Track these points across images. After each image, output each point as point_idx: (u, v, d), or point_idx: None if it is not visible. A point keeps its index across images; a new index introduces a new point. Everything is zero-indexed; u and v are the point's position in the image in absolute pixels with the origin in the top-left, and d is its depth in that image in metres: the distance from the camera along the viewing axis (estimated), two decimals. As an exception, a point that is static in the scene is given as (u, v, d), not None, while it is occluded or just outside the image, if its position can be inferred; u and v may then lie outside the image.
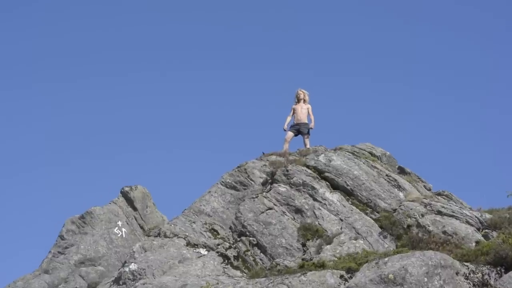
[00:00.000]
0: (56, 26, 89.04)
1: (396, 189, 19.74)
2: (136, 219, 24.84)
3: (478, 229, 17.95)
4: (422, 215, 18.36)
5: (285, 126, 23.23)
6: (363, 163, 20.47)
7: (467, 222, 18.05)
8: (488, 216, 18.57)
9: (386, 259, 13.84)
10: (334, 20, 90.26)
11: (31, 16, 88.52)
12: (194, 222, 19.47)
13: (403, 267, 13.08)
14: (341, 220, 18.49)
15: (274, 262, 17.56)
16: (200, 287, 15.34)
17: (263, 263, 17.82)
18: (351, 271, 14.90)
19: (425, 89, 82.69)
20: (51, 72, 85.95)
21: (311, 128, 23.17)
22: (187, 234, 19.03)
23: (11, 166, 76.51)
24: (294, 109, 23.33)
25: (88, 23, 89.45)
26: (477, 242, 16.79)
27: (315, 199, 19.00)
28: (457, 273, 13.72)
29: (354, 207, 18.95)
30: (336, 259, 16.66)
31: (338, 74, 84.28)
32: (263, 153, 22.04)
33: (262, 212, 18.77)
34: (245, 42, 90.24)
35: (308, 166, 20.12)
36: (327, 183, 19.66)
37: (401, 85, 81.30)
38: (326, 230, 18.16)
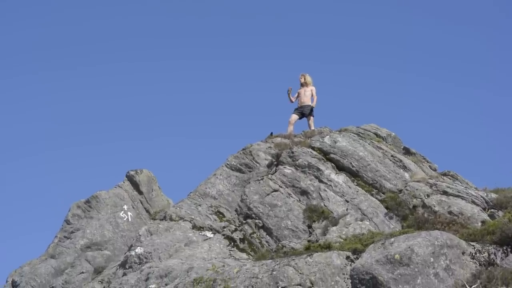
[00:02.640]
0: (63, 14, 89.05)
1: (401, 170, 19.69)
2: (141, 203, 24.82)
3: (484, 209, 17.92)
4: (428, 196, 18.32)
5: (290, 90, 23.24)
6: (368, 144, 20.42)
7: (473, 202, 18.02)
8: (493, 195, 18.54)
9: (392, 239, 13.83)
10: (339, 9, 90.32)
11: (33, 8, 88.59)
12: (199, 205, 19.45)
13: (409, 247, 13.06)
14: (347, 201, 18.47)
15: (280, 244, 17.55)
16: (206, 269, 15.35)
17: (269, 245, 17.82)
18: (357, 252, 14.90)
19: (430, 72, 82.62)
20: (58, 59, 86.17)
21: (313, 107, 23.05)
22: (192, 217, 19.02)
23: (17, 151, 76.77)
24: (298, 93, 23.30)
25: (93, 11, 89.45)
26: (483, 222, 16.76)
27: (320, 181, 18.97)
28: (463, 253, 13.70)
29: (359, 188, 18.92)
30: (342, 240, 16.66)
31: (343, 60, 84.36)
32: (271, 134, 21.98)
33: (268, 194, 18.75)
34: (249, 30, 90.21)
35: (313, 148, 20.08)
36: (333, 164, 19.61)
37: (406, 68, 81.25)
38: (331, 212, 18.14)
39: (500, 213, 17.41)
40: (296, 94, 23.30)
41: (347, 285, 13.99)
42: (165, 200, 25.58)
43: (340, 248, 15.45)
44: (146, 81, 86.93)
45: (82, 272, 22.26)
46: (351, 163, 19.55)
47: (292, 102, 23.27)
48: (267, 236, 18.10)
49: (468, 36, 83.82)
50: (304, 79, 23.39)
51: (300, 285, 13.83)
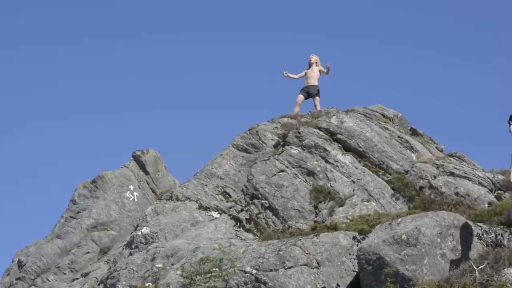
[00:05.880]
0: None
1: (408, 151, 19.65)
2: (148, 183, 24.81)
3: (491, 190, 17.89)
4: (435, 177, 18.29)
5: (286, 73, 23.46)
6: (375, 124, 20.37)
7: (480, 183, 17.98)
8: (500, 177, 18.50)
9: (399, 220, 13.77)
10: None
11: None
12: (206, 185, 19.43)
13: (416, 227, 13.01)
14: (353, 182, 18.44)
15: (286, 225, 17.53)
16: (213, 249, 15.33)
17: (275, 226, 17.80)
18: (363, 233, 14.87)
19: (437, 54, 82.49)
20: (68, 42, 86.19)
21: (328, 68, 23.09)
22: (199, 197, 19.00)
23: (23, 129, 76.87)
24: (305, 73, 23.37)
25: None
26: (490, 203, 16.73)
27: (327, 161, 18.94)
28: (470, 234, 13.64)
29: (366, 169, 18.88)
30: (348, 221, 16.62)
31: (350, 44, 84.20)
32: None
33: (274, 175, 18.72)
34: (254, 13, 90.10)
35: (320, 128, 20.04)
36: (339, 145, 19.58)
37: (413, 51, 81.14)
38: (338, 192, 18.12)
39: (507, 194, 17.36)
40: (303, 73, 23.36)
41: (353, 265, 13.98)
42: (171, 180, 25.56)
43: (346, 229, 15.42)
44: (153, 63, 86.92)
45: (88, 252, 22.30)
46: (358, 144, 19.52)
47: (296, 78, 23.41)
48: (273, 216, 18.08)
49: (474, 21, 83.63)
50: (315, 59, 23.44)
51: (306, 265, 13.81)
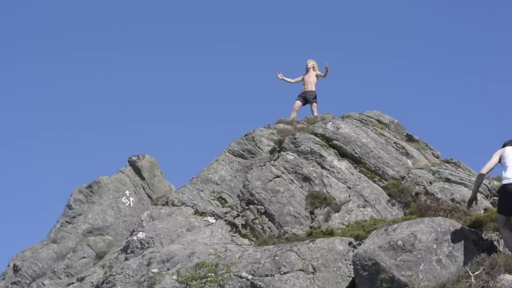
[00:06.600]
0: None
1: (404, 157, 19.66)
2: (143, 188, 24.83)
3: (487, 197, 17.88)
4: (430, 183, 18.29)
5: (280, 76, 23.61)
6: (371, 130, 20.39)
7: (475, 190, 17.96)
8: (496, 183, 18.49)
9: (395, 226, 13.77)
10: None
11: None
12: (201, 191, 19.43)
13: (412, 233, 13.01)
14: (349, 188, 18.44)
15: (282, 230, 17.53)
16: (208, 255, 15.32)
17: (271, 231, 17.80)
18: (359, 239, 14.86)
19: (433, 60, 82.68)
20: (62, 44, 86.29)
21: (326, 69, 23.13)
22: (195, 202, 19.00)
23: (19, 134, 76.86)
24: (303, 78, 23.43)
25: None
26: (486, 210, 16.72)
27: (323, 167, 18.95)
28: (466, 240, 13.65)
29: (362, 175, 18.89)
30: (344, 227, 16.62)
31: (346, 49, 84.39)
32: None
33: (270, 180, 18.73)
34: (251, 17, 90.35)
35: (316, 134, 20.06)
36: (335, 151, 19.59)
37: (408, 55, 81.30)
38: (334, 198, 18.11)
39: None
40: (300, 78, 23.43)
41: (349, 271, 13.97)
42: (167, 185, 25.60)
43: (342, 235, 15.41)
44: (150, 67, 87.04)
45: (84, 257, 22.30)
46: (353, 150, 19.53)
47: (292, 82, 23.53)
48: (269, 222, 18.08)
49: (469, 24, 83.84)
50: (313, 65, 23.50)
51: (302, 270, 13.81)
